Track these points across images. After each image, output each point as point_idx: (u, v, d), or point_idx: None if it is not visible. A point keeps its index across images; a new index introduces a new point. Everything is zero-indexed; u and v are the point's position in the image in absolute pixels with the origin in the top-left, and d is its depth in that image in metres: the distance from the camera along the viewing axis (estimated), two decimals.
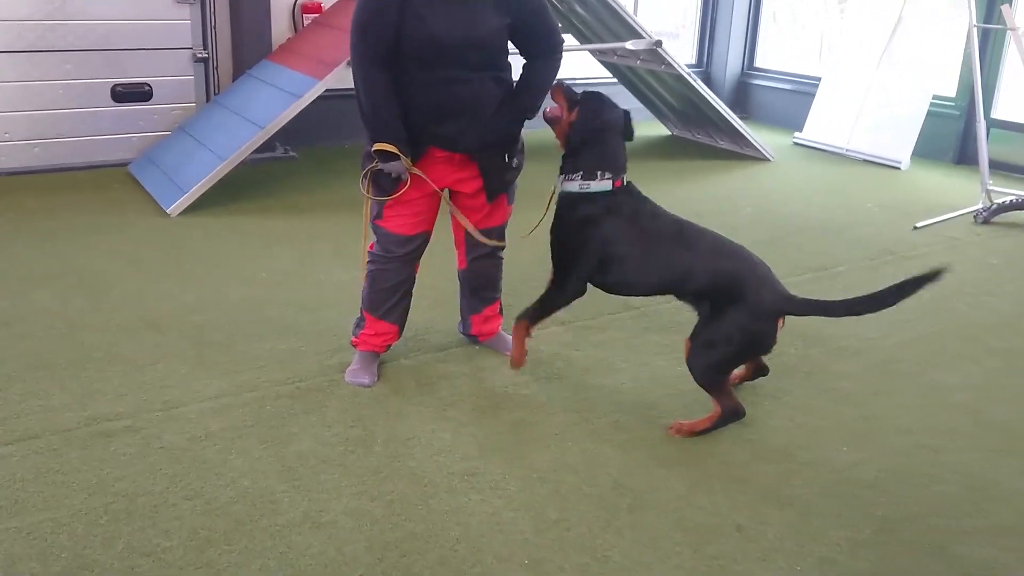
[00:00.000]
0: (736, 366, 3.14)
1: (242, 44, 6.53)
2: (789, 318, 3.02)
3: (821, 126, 7.85)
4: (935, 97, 7.23)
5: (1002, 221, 5.75)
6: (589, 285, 3.12)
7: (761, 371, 3.32)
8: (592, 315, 3.98)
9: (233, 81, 6.49)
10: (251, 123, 5.48)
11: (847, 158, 7.51)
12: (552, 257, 3.13)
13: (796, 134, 8.06)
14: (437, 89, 2.97)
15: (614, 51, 7.12)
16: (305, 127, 6.03)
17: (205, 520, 2.53)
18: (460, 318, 3.67)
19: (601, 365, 3.56)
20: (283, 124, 5.38)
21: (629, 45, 6.61)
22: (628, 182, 3.07)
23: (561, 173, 3.08)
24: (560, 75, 3.17)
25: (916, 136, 7.20)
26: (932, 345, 3.86)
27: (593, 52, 7.58)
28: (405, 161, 3.03)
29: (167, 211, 5.27)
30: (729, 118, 7.13)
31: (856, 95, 7.63)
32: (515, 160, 3.23)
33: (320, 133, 6.84)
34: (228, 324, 3.84)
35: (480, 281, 3.51)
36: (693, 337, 3.02)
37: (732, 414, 3.03)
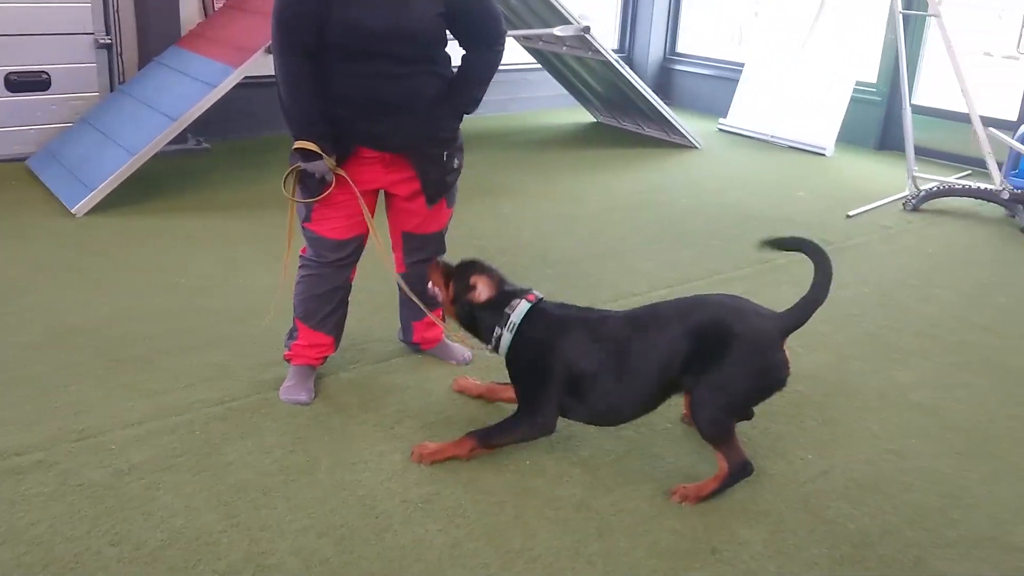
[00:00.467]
0: (746, 408, 2.77)
1: (148, 29, 6.13)
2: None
3: (745, 112, 7.83)
4: (856, 83, 7.27)
5: (930, 208, 5.80)
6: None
7: (746, 416, 2.88)
8: None
9: (140, 69, 6.08)
10: (162, 114, 5.13)
11: (773, 145, 7.51)
12: (516, 390, 2.78)
13: (720, 120, 8.03)
14: (365, 83, 2.75)
15: (540, 37, 6.94)
16: (218, 117, 5.67)
17: (134, 569, 2.27)
18: (400, 325, 3.46)
19: None
20: (197, 115, 5.03)
21: (557, 31, 6.43)
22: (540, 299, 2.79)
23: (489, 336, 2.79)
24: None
25: (840, 122, 7.23)
26: (883, 341, 3.80)
27: (518, 38, 7.38)
28: (328, 161, 2.80)
29: (72, 211, 4.89)
30: (657, 105, 7.03)
31: (780, 81, 7.63)
32: (455, 160, 3.03)
33: (235, 123, 6.49)
34: (147, 337, 3.54)
35: (421, 285, 3.30)
36: (697, 387, 2.60)
37: (741, 470, 2.65)
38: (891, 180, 6.42)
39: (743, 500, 2.67)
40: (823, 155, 7.19)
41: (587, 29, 6.46)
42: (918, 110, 7.21)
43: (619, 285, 4.23)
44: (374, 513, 2.53)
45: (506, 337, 2.73)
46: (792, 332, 2.63)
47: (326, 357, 3.19)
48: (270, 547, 2.37)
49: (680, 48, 9.13)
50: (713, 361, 2.57)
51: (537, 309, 2.75)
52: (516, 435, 2.77)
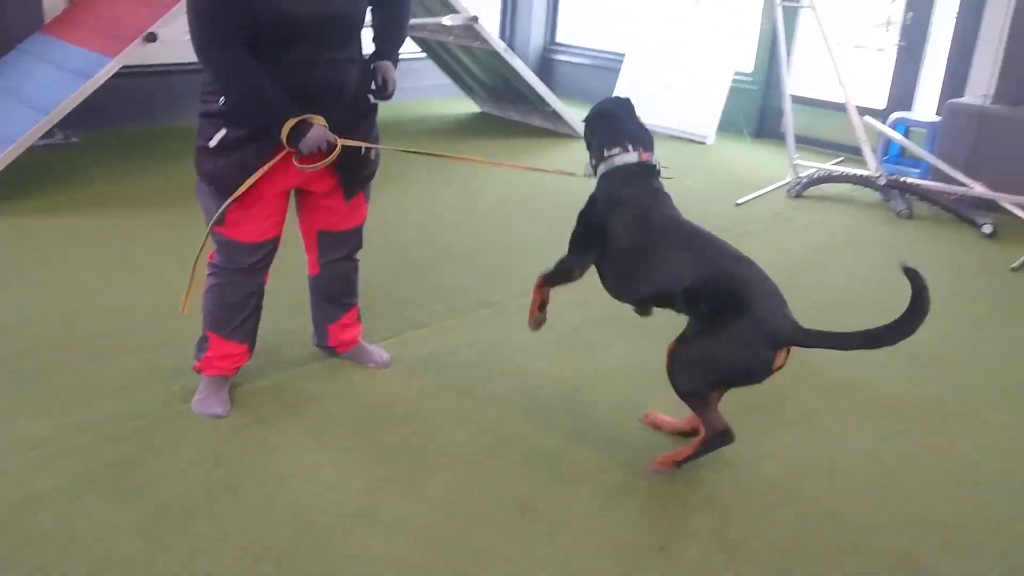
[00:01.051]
0: (721, 387, 2.67)
1: (7, 14, 5.67)
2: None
3: None
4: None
5: (812, 194, 6.00)
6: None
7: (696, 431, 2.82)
8: (448, 315, 3.73)
9: (0, 58, 5.63)
10: (30, 108, 4.76)
11: (655, 134, 7.60)
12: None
13: None
14: (293, 73, 2.60)
15: (427, 26, 6.81)
16: (87, 108, 5.31)
17: None
18: (313, 330, 3.31)
19: (476, 370, 3.32)
20: (71, 108, 4.69)
21: (445, 20, 6.33)
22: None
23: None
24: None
25: (721, 111, 7.40)
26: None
27: None
28: (318, 121, 2.63)
29: None
30: (544, 96, 7.02)
31: (660, 71, 7.75)
32: (372, 152, 2.91)
33: (106, 115, 6.09)
34: (39, 348, 3.27)
35: (337, 286, 3.17)
36: (681, 343, 2.60)
37: (719, 437, 2.64)
38: (772, 167, 6.61)
39: (681, 492, 2.67)
40: (704, 143, 7.34)
41: (475, 19, 6.38)
42: (792, 99, 7.49)
43: (531, 278, 4.17)
44: (312, 529, 2.41)
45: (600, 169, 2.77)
46: (796, 346, 2.55)
47: (239, 367, 3.02)
48: (205, 571, 2.22)
49: (560, 38, 9.16)
50: (714, 320, 2.55)
51: (628, 169, 2.74)
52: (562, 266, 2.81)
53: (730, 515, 2.58)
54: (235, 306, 2.90)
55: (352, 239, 3.04)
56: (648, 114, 7.68)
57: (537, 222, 5.11)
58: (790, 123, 6.24)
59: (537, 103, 7.19)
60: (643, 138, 2.80)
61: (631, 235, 2.67)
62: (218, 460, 2.67)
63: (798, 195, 5.96)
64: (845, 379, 3.45)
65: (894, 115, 6.54)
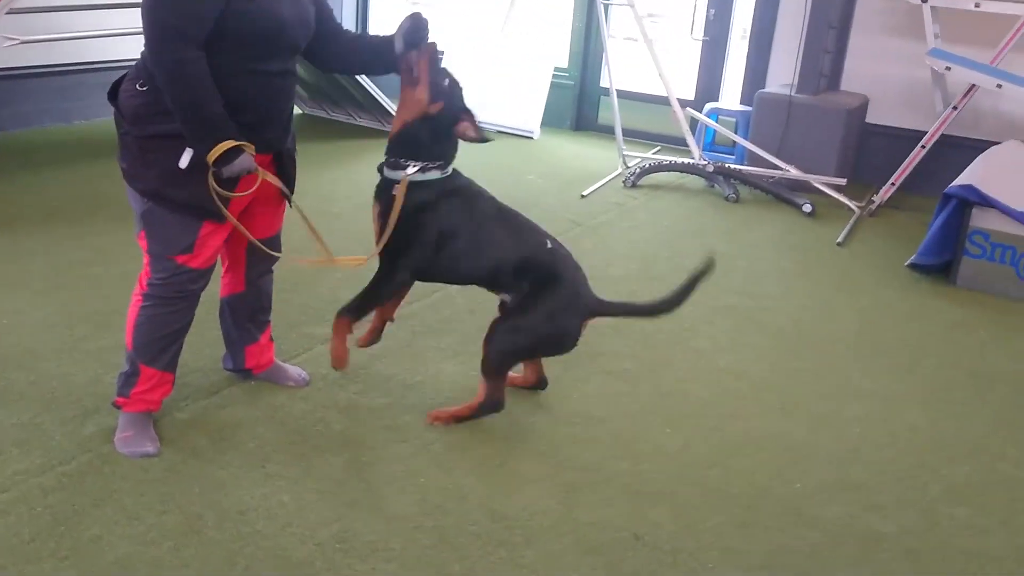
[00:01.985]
0: (530, 357, 3.15)
1: None
2: None
3: None
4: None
5: (645, 184, 6.32)
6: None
7: (541, 383, 3.25)
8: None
9: None
10: None
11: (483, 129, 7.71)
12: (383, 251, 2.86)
13: None
14: (266, 83, 2.53)
15: None
16: None
17: None
18: (228, 353, 3.16)
19: (394, 381, 3.29)
20: None
21: None
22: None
23: (392, 158, 2.86)
24: None
25: (543, 106, 7.62)
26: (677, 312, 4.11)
27: None
28: (249, 149, 2.51)
29: None
30: (374, 93, 6.95)
31: (482, 66, 7.85)
32: (294, 143, 2.89)
33: None
34: None
35: (260, 302, 3.06)
36: (502, 319, 2.98)
37: (492, 405, 2.97)
38: (600, 159, 6.87)
39: (635, 482, 2.80)
40: (531, 138, 7.53)
41: None
42: (605, 92, 7.82)
43: None
44: (291, 564, 2.33)
45: (411, 176, 2.79)
46: (599, 316, 3.04)
47: (164, 399, 2.85)
48: None
49: (374, 32, 9.04)
50: (529, 297, 2.90)
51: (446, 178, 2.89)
52: (382, 295, 2.90)
53: (681, 501, 2.73)
54: (172, 335, 2.74)
55: (277, 246, 2.95)
56: (474, 110, 7.82)
57: None
58: (617, 116, 6.54)
59: (364, 100, 7.10)
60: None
61: (466, 222, 2.89)
62: (166, 502, 2.51)
63: (634, 185, 6.27)
64: (730, 365, 3.70)
65: (708, 105, 7.00)
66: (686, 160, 6.36)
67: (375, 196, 2.91)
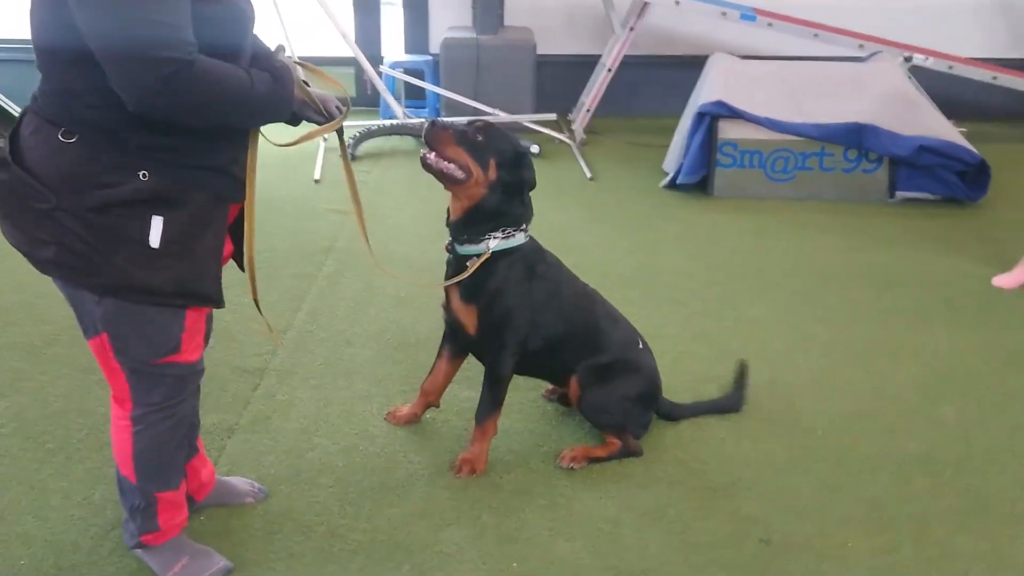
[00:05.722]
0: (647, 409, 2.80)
1: None
2: None
3: None
4: None
5: (362, 154, 5.84)
6: None
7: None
8: (240, 404, 2.94)
9: None
10: None
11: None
12: (481, 337, 2.52)
13: None
14: None
15: None
16: None
17: None
18: None
19: (342, 431, 2.70)
20: None
21: None
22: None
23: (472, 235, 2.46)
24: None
25: None
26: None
27: None
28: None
29: None
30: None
31: None
32: None
33: None
34: None
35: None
36: (593, 389, 2.68)
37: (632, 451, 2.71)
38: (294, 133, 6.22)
39: (597, 503, 2.61)
40: None
41: None
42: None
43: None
44: None
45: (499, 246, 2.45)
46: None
47: None
48: None
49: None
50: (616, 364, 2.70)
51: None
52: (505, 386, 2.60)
53: (669, 502, 2.50)
54: (180, 443, 2.08)
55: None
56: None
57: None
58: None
59: None
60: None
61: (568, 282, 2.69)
62: None
63: (353, 157, 5.78)
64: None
65: (389, 60, 6.63)
66: (397, 121, 6.00)
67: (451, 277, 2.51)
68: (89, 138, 1.71)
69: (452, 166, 2.37)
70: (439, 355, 2.74)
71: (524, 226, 2.50)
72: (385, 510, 2.41)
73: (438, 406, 2.80)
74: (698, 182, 5.14)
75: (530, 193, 2.51)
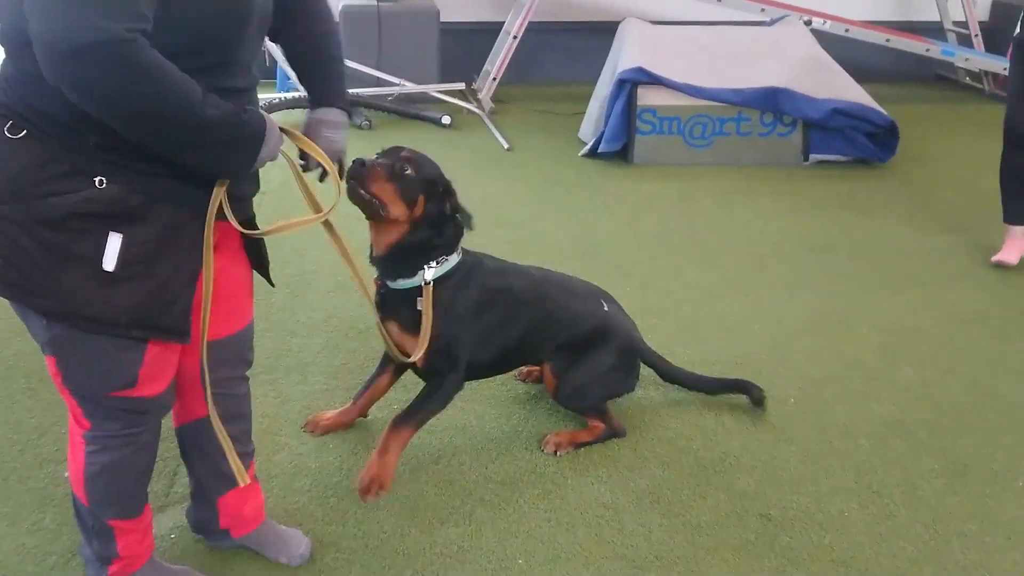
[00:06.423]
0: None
1: None
2: None
3: None
4: None
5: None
6: None
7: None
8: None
9: None
10: None
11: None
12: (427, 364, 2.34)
13: None
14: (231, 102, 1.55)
15: None
16: None
17: None
18: (193, 507, 2.12)
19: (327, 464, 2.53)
20: None
21: None
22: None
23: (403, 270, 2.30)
24: None
25: None
26: None
27: None
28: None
29: None
30: None
31: None
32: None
33: None
34: None
35: (236, 424, 1.97)
36: (566, 371, 2.60)
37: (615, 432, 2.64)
38: None
39: (602, 491, 2.56)
40: None
41: None
42: None
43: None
44: None
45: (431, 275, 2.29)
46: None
47: None
48: None
49: None
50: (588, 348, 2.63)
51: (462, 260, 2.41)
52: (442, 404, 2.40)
53: (662, 488, 2.46)
54: (143, 474, 1.84)
55: (248, 341, 1.98)
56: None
57: None
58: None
59: None
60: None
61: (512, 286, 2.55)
62: None
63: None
64: None
65: None
66: (296, 94, 5.70)
67: (381, 310, 2.35)
68: (39, 135, 1.47)
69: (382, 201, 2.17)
70: (382, 370, 2.55)
71: (457, 247, 2.35)
72: (372, 512, 2.26)
73: (366, 416, 2.63)
74: (618, 150, 5.09)
75: (456, 209, 2.32)
